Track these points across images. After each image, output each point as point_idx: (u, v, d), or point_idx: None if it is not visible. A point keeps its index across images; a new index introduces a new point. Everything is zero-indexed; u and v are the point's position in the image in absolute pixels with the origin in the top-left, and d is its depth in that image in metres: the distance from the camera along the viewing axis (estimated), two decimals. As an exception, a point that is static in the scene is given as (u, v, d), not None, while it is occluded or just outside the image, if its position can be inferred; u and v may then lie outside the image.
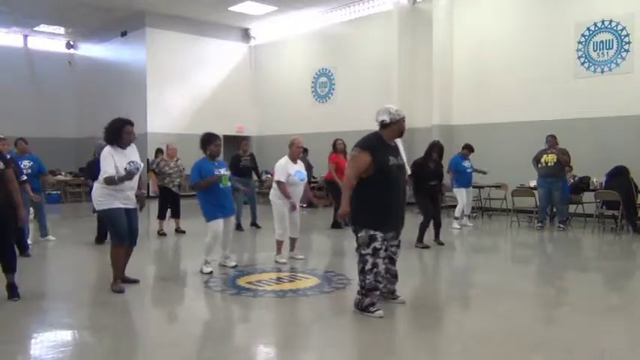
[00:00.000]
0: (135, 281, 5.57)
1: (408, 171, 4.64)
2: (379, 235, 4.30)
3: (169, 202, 9.29)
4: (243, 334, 4.33)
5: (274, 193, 6.63)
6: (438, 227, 8.15)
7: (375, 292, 4.38)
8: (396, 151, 4.50)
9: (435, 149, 8.07)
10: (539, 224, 9.81)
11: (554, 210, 10.18)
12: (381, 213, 4.30)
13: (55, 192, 15.61)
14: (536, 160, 9.88)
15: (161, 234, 9.18)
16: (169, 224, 9.46)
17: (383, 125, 4.42)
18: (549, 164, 9.61)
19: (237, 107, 18.44)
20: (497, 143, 12.44)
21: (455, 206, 10.36)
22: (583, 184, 10.07)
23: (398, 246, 4.67)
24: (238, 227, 9.80)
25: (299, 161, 6.75)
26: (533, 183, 10.27)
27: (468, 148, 10.33)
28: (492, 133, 12.61)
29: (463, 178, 10.12)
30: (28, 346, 3.97)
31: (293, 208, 6.53)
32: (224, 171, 6.10)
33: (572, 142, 10.13)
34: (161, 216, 9.34)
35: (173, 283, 5.95)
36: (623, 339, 4.03)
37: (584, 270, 6.98)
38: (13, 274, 4.98)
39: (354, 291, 5.32)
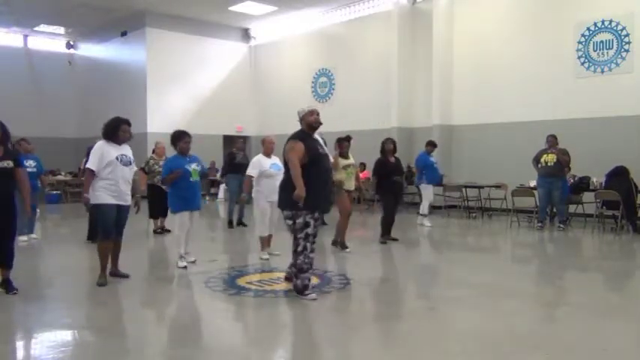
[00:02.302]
0: (125, 276, 5.72)
1: (332, 159, 5.45)
2: (312, 222, 4.89)
3: (161, 201, 9.16)
4: (243, 333, 4.33)
5: (256, 189, 6.87)
6: (391, 224, 8.28)
7: (304, 273, 4.95)
8: (318, 142, 5.12)
9: (388, 143, 8.23)
10: (539, 224, 9.81)
11: (554, 210, 10.18)
12: (316, 196, 4.84)
13: (55, 192, 15.61)
14: (536, 160, 9.88)
15: (158, 232, 9.18)
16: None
17: (300, 123, 5.12)
18: (549, 164, 9.61)
19: (237, 107, 18.46)
20: (498, 143, 12.45)
21: (417, 204, 10.51)
22: (583, 184, 10.06)
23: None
24: (230, 224, 9.93)
25: (273, 156, 7.01)
26: (533, 183, 10.27)
27: (432, 145, 10.55)
28: (492, 133, 12.62)
29: (431, 174, 10.31)
30: (28, 346, 3.97)
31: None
32: (195, 166, 6.38)
33: (572, 142, 10.13)
34: (153, 215, 9.31)
35: (172, 283, 5.94)
36: (623, 339, 4.03)
37: (584, 270, 6.98)
38: (9, 271, 5.08)
39: (354, 291, 5.35)
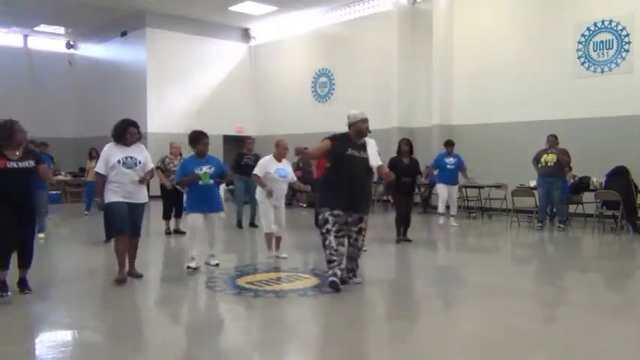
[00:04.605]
0: (139, 276, 5.79)
1: (374, 165, 5.38)
2: (331, 218, 5.11)
3: (175, 201, 9.10)
4: (244, 334, 4.33)
5: (259, 190, 6.79)
6: (406, 225, 8.30)
7: (332, 264, 5.15)
8: (361, 146, 5.29)
9: (404, 144, 8.25)
10: (539, 224, 9.81)
11: (554, 210, 10.18)
12: (333, 194, 5.15)
13: (54, 192, 15.61)
14: (536, 160, 9.88)
15: (168, 233, 9.16)
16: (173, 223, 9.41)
17: (348, 126, 5.37)
18: (549, 164, 9.61)
19: (237, 107, 18.44)
20: (498, 143, 12.45)
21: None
22: (583, 184, 10.06)
23: (358, 232, 5.31)
24: (239, 225, 9.92)
25: (285, 160, 6.91)
26: (533, 183, 10.27)
27: (450, 144, 10.37)
28: (492, 133, 12.61)
29: (443, 174, 10.20)
30: (28, 346, 3.97)
31: (269, 194, 6.62)
32: (206, 169, 6.17)
33: (572, 142, 10.13)
34: (166, 216, 9.27)
35: (174, 283, 5.95)
36: (623, 339, 4.03)
37: (584, 270, 6.99)
38: (26, 270, 5.15)
39: (354, 291, 5.34)
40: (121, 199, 5.50)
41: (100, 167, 5.52)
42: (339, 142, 5.21)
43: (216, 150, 17.42)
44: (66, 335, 4.23)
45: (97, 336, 4.20)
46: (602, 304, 5.06)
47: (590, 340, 3.98)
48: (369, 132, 5.36)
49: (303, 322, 4.58)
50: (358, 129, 5.28)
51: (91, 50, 19.77)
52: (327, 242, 5.15)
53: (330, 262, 5.17)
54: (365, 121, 5.31)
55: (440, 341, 4.00)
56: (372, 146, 5.37)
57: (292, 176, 6.97)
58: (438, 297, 5.47)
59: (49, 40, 19.86)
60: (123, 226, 5.56)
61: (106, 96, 18.05)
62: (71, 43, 20.21)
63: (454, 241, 9.29)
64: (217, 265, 6.31)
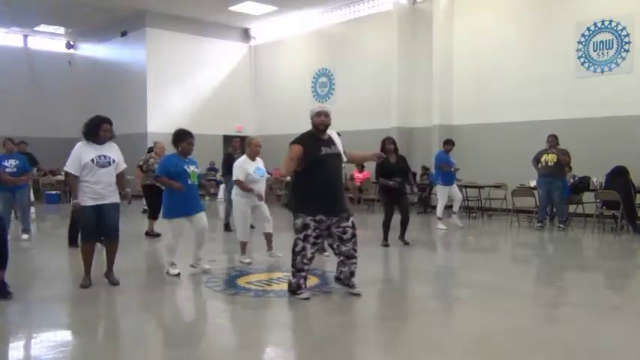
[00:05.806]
0: (115, 283, 5.48)
1: (344, 158, 5.30)
2: (312, 223, 4.87)
3: (159, 201, 8.90)
4: (243, 334, 4.33)
5: (236, 192, 6.66)
6: (403, 225, 8.06)
7: (301, 273, 4.98)
8: (329, 142, 5.10)
9: (388, 143, 7.97)
10: (539, 224, 9.81)
11: (555, 210, 10.18)
12: (312, 199, 4.90)
13: (54, 192, 15.63)
14: (536, 160, 9.88)
15: (155, 235, 9.04)
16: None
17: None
18: (549, 164, 9.61)
19: (237, 107, 18.47)
20: (497, 143, 12.46)
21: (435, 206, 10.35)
22: (583, 184, 10.06)
23: (353, 227, 5.05)
24: (226, 227, 9.75)
25: (258, 158, 6.79)
26: (533, 183, 10.27)
27: (450, 143, 10.04)
28: (492, 133, 12.62)
29: (448, 175, 9.83)
30: (28, 346, 3.97)
31: (260, 198, 6.52)
32: (194, 168, 5.99)
33: (572, 142, 10.13)
34: (153, 216, 9.04)
35: (173, 284, 5.93)
36: (623, 339, 4.02)
37: (584, 270, 6.98)
38: (3, 271, 4.97)
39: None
40: (91, 203, 5.25)
41: (71, 167, 5.21)
42: (309, 144, 4.95)
43: (216, 150, 17.53)
44: (66, 335, 4.24)
45: (95, 336, 4.19)
46: (602, 304, 5.05)
47: (590, 340, 3.98)
48: (326, 126, 5.11)
49: (303, 322, 4.58)
50: (313, 123, 5.11)
51: (91, 50, 19.79)
52: (301, 249, 4.92)
53: (300, 270, 4.96)
54: (320, 114, 5.10)
55: (440, 341, 3.99)
56: (336, 138, 5.21)
57: (266, 173, 6.88)
58: (438, 297, 5.47)
59: (49, 40, 19.89)
60: (91, 232, 5.35)
61: (106, 96, 18.05)
62: (71, 43, 20.23)
63: (454, 241, 9.28)
64: (209, 269, 6.08)
